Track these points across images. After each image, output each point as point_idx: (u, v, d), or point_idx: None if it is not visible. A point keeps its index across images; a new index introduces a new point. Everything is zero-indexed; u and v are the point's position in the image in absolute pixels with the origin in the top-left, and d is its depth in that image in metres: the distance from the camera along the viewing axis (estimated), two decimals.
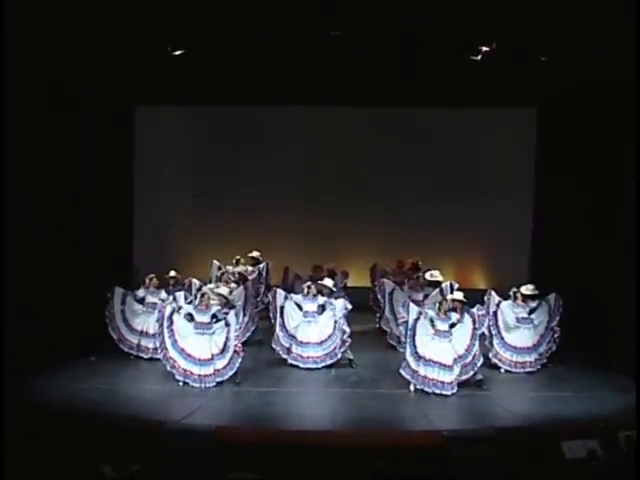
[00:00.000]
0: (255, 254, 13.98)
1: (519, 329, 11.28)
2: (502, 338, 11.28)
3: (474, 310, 10.48)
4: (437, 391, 9.99)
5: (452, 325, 10.28)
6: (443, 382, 10.02)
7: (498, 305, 11.34)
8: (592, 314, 11.94)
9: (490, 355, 11.22)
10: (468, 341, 10.25)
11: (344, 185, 15.98)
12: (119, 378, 10.95)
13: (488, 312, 11.11)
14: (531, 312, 11.40)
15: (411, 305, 10.62)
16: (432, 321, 10.25)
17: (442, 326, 10.23)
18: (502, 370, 11.24)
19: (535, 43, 11.29)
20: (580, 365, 11.51)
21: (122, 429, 8.34)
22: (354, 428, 9.13)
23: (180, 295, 11.08)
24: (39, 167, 11.15)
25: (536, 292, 11.52)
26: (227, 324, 10.39)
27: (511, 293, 11.48)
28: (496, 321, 11.30)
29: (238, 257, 13.86)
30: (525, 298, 11.38)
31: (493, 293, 11.48)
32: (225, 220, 16.16)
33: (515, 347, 11.24)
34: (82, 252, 12.31)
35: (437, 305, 10.53)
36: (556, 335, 11.32)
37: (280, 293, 11.63)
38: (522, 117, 14.96)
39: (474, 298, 12.56)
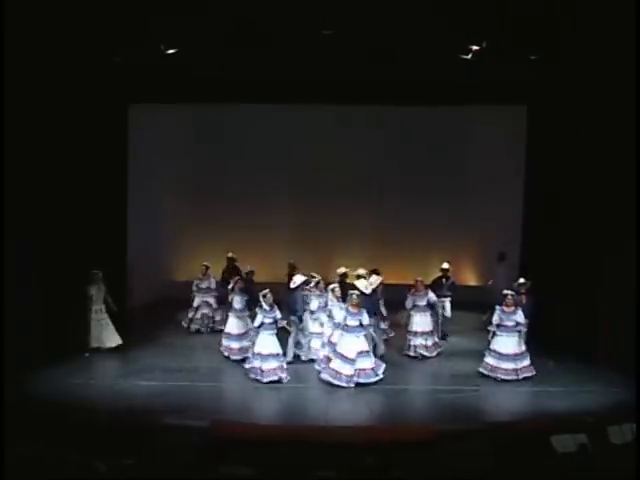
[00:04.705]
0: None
1: (504, 337, 10.97)
2: (494, 351, 11.05)
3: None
4: (336, 382, 10.40)
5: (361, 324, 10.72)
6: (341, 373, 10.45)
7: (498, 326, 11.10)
8: (580, 310, 12.04)
9: (481, 369, 11.05)
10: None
11: (341, 183, 16.10)
12: (113, 373, 11.05)
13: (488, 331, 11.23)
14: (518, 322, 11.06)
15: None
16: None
17: (352, 322, 10.67)
18: (498, 379, 10.85)
19: (525, 42, 11.36)
20: (568, 360, 11.62)
21: (116, 424, 8.41)
22: (346, 424, 9.24)
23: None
24: (32, 167, 11.11)
25: (527, 282, 11.80)
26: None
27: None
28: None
29: (232, 255, 14.03)
30: (513, 302, 11.10)
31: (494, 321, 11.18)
32: (222, 219, 16.26)
33: (501, 354, 10.94)
34: (77, 252, 12.29)
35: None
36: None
37: None
38: (512, 115, 15.05)
39: (469, 295, 12.84)
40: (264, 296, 10.92)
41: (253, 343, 10.96)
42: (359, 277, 11.90)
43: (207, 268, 13.80)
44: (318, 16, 10.78)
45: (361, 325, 10.66)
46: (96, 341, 12.01)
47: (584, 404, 9.70)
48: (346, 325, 10.63)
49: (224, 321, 13.05)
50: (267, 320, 10.76)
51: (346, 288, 11.61)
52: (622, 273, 11.22)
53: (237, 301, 12.05)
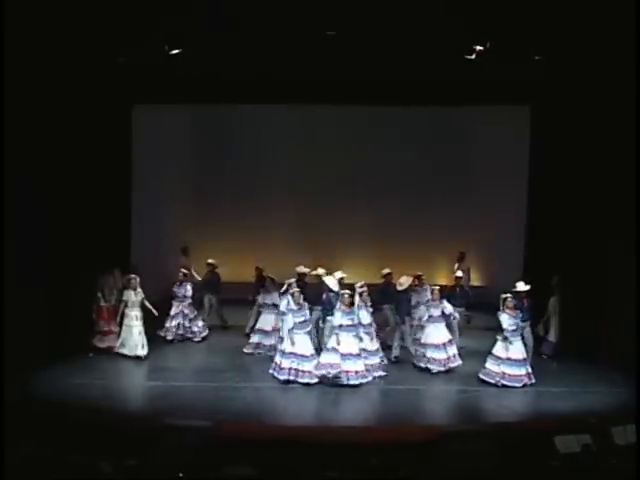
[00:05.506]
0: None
1: (518, 341, 10.77)
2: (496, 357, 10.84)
3: None
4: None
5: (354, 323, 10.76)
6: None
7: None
8: (584, 310, 12.03)
9: (481, 375, 10.86)
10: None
11: (341, 183, 16.07)
12: (117, 374, 11.04)
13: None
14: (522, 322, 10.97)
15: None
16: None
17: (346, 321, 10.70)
18: (499, 384, 10.61)
19: (529, 42, 11.36)
20: (571, 360, 11.63)
21: (120, 425, 8.41)
22: (349, 424, 9.24)
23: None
24: (35, 167, 11.13)
25: (527, 288, 11.44)
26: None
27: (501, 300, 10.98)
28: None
29: (212, 261, 13.93)
30: (513, 305, 10.87)
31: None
32: (223, 219, 16.26)
33: (517, 360, 10.71)
34: (80, 252, 12.33)
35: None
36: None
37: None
38: (516, 115, 15.04)
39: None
40: (292, 295, 10.91)
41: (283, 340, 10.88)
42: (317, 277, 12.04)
43: (185, 275, 13.37)
44: (320, 16, 10.78)
45: (354, 324, 10.63)
46: (122, 346, 11.78)
47: (588, 404, 9.70)
48: (340, 325, 10.60)
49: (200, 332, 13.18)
50: (298, 319, 10.73)
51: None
52: (625, 273, 11.21)
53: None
